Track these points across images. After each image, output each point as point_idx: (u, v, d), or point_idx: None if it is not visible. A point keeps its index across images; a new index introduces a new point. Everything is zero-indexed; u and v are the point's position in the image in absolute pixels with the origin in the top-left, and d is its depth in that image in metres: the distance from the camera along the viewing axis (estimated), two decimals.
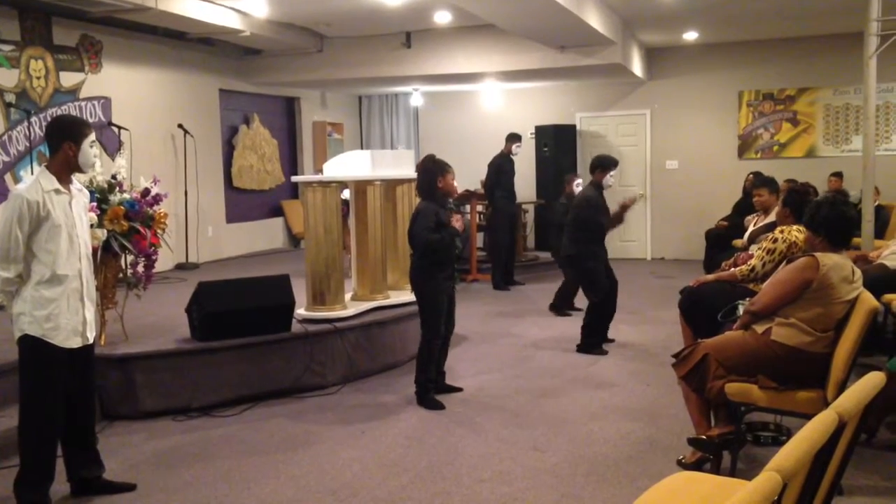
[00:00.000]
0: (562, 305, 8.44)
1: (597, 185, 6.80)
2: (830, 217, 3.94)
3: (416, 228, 5.34)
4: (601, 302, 6.80)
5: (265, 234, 12.21)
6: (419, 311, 5.54)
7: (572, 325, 7.42)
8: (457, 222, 5.37)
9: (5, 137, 8.06)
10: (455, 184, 5.56)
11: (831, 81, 11.62)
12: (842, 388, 3.59)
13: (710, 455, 4.05)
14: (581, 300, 7.49)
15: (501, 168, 10.01)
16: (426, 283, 5.41)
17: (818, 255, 3.88)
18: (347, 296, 6.55)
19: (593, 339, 6.82)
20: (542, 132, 12.58)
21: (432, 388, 5.50)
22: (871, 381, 2.49)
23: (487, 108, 13.51)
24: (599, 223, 6.73)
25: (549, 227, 9.98)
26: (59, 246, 3.71)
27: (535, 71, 10.85)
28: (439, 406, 5.37)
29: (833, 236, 3.95)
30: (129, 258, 5.47)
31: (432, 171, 5.44)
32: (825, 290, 3.80)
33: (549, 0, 7.22)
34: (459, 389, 5.74)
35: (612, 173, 6.78)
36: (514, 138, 10.05)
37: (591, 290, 6.82)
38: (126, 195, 5.25)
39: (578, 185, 8.55)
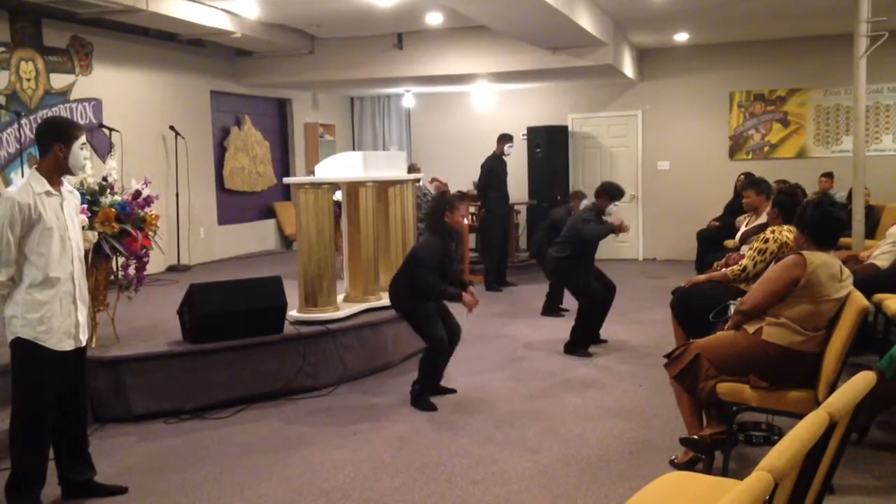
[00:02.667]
0: (553, 307, 8.45)
1: (598, 210, 6.83)
2: (816, 217, 3.97)
3: (422, 266, 5.38)
4: (592, 305, 6.82)
5: (257, 236, 12.18)
6: (415, 329, 5.58)
7: (564, 326, 7.42)
8: (468, 296, 5.46)
9: None
10: (463, 220, 5.67)
11: (821, 82, 11.66)
12: (833, 387, 3.61)
13: (702, 455, 4.07)
14: (570, 301, 7.52)
15: (494, 169, 10.02)
16: (409, 301, 5.49)
17: (806, 252, 3.90)
18: (340, 297, 6.55)
19: (579, 341, 6.83)
20: (534, 133, 12.59)
21: (429, 391, 5.51)
22: (862, 381, 2.50)
23: (479, 110, 13.52)
24: (586, 237, 6.76)
25: (541, 227, 9.86)
26: (50, 248, 3.70)
27: (527, 72, 10.86)
28: (432, 408, 5.37)
29: (819, 236, 3.97)
30: (121, 260, 5.45)
31: (441, 206, 5.55)
32: (813, 288, 3.82)
33: (540, 1, 7.23)
34: (453, 391, 5.74)
35: (616, 204, 6.79)
36: (505, 139, 10.06)
37: (582, 294, 6.84)
38: (117, 197, 5.24)
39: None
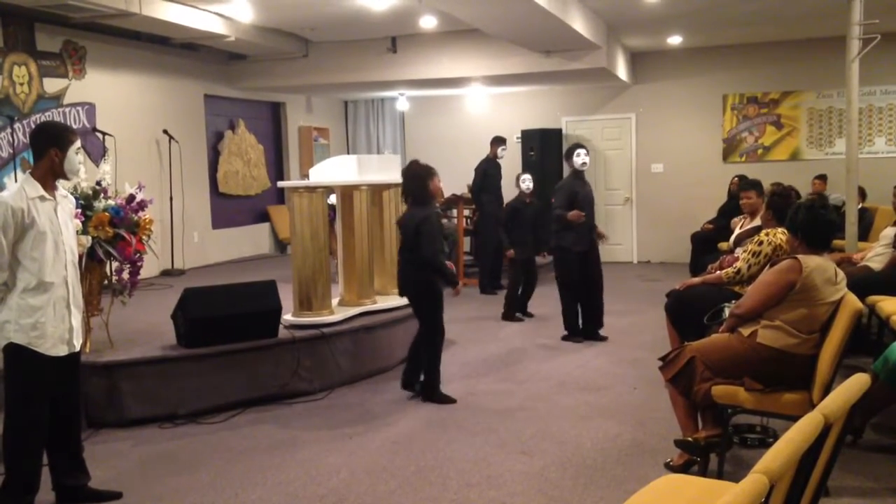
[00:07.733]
0: (519, 308, 8.51)
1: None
2: (807, 220, 3.99)
3: (428, 245, 5.40)
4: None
5: (251, 240, 12.16)
6: (422, 314, 5.62)
7: (558, 329, 7.44)
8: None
9: None
10: (441, 186, 5.64)
11: (814, 85, 11.69)
12: (827, 389, 3.61)
13: (697, 457, 4.07)
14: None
15: (488, 172, 10.02)
16: (429, 287, 5.52)
17: (801, 257, 3.91)
18: (334, 301, 6.54)
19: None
20: (528, 136, 12.59)
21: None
22: (857, 383, 2.51)
23: (473, 113, 13.53)
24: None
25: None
26: (44, 253, 3.69)
27: (521, 75, 10.86)
28: (451, 400, 5.51)
29: (810, 239, 3.99)
30: (114, 265, 5.44)
31: (423, 176, 5.49)
32: (809, 292, 3.83)
33: (534, 5, 7.24)
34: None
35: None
36: (499, 142, 10.07)
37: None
38: (111, 201, 5.23)
39: (524, 182, 8.58)
